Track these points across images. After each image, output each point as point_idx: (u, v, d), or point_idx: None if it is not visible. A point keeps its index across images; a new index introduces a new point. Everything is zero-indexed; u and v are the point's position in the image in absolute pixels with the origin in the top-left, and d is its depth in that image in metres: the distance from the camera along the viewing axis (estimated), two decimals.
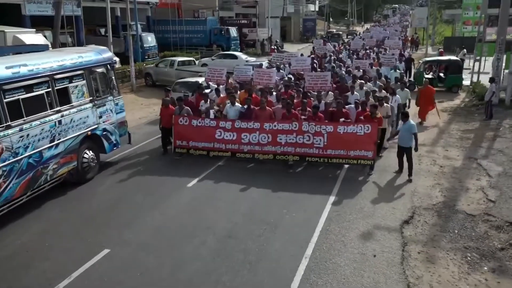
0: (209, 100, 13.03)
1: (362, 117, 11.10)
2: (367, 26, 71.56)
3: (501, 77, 18.27)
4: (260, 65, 19.38)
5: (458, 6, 44.04)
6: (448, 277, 6.83)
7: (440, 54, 28.03)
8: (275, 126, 11.24)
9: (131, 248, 7.64)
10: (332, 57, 23.62)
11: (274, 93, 13.93)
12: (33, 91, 9.00)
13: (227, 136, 11.49)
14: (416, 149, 10.58)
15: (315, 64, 20.85)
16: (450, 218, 8.69)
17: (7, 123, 8.29)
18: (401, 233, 8.13)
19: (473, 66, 23.33)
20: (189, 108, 12.24)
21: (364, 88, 14.29)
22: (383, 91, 13.89)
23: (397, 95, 13.68)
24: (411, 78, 22.11)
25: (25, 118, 8.69)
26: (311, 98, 12.94)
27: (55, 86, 9.56)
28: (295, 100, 12.65)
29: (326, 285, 6.61)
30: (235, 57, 29.02)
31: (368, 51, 26.92)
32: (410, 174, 10.62)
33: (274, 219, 8.65)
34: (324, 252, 7.48)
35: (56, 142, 9.50)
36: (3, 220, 8.49)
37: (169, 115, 12.13)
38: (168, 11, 36.55)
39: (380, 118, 10.98)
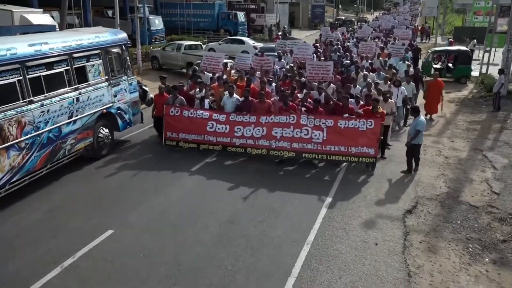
0: (204, 88, 12.21)
1: (361, 110, 10.40)
2: (377, 14, 70.59)
3: (511, 69, 18.07)
4: (262, 53, 18.65)
5: None
6: (449, 267, 6.85)
7: (450, 44, 27.76)
8: (271, 119, 10.49)
9: (135, 230, 7.71)
10: (339, 46, 22.28)
11: (274, 84, 13.30)
12: (53, 69, 9.38)
13: (219, 129, 10.77)
14: (406, 144, 10.19)
15: (318, 53, 19.95)
16: (453, 209, 8.69)
17: (30, 99, 8.69)
18: (404, 222, 8.15)
19: (483, 57, 23.08)
20: (183, 98, 11.50)
21: (368, 79, 13.60)
22: (388, 82, 13.37)
23: (402, 87, 13.12)
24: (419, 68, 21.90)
25: (45, 94, 9.09)
26: (310, 92, 12.02)
27: (74, 65, 9.93)
28: (296, 92, 12.01)
29: (327, 271, 6.65)
30: (242, 42, 28.83)
31: (375, 40, 25.67)
32: (416, 165, 10.36)
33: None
34: (326, 239, 7.52)
35: (74, 118, 9.93)
36: (12, 198, 8.62)
37: (163, 103, 11.50)
38: None
39: (382, 113, 10.20)
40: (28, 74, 8.66)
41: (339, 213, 8.40)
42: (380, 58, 18.11)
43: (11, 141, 8.29)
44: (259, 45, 28.42)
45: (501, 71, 16.31)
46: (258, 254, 7.05)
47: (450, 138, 13.07)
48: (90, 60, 10.49)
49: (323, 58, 18.21)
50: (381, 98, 11.07)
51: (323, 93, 11.39)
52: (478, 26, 34.80)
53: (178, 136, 11.13)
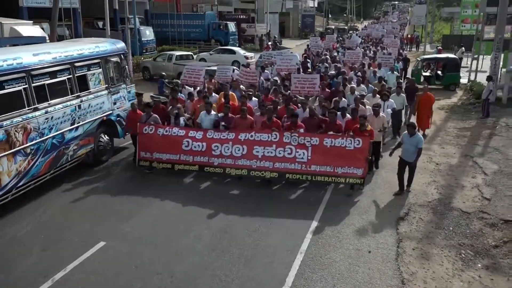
0: (179, 105, 11.17)
1: (351, 132, 9.59)
2: (366, 23, 71.34)
3: (499, 76, 18.33)
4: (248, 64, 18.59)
5: (457, 4, 44.18)
6: (442, 273, 6.87)
7: (439, 52, 28.07)
8: (251, 136, 9.63)
9: (128, 240, 7.65)
10: (327, 56, 21.32)
11: (255, 98, 12.12)
12: (56, 77, 9.75)
13: (195, 147, 9.87)
14: (414, 165, 9.62)
15: (308, 64, 19.34)
16: (445, 215, 8.72)
17: (35, 106, 9.03)
18: (396, 229, 8.17)
19: (471, 64, 23.39)
20: (157, 116, 10.61)
21: (356, 93, 12.76)
22: (377, 95, 12.75)
23: (391, 100, 12.38)
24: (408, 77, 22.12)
25: (49, 102, 9.44)
26: (298, 105, 11.25)
27: (75, 73, 10.31)
28: (279, 107, 11.19)
29: (321, 280, 6.63)
30: (233, 52, 28.98)
31: (364, 48, 25.41)
32: (409, 185, 9.77)
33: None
34: (319, 247, 7.51)
35: (76, 125, 10.25)
36: (5, 209, 8.55)
37: (137, 121, 10.56)
38: (166, 5, 36.41)
39: (371, 131, 9.52)
40: (33, 83, 9.00)
41: (331, 221, 8.40)
42: (371, 68, 17.48)
43: (18, 147, 8.55)
44: (250, 54, 28.58)
45: (489, 78, 16.51)
46: (251, 264, 7.02)
47: (441, 144, 13.17)
48: (91, 69, 10.86)
49: (309, 70, 17.38)
50: (371, 112, 10.67)
51: (308, 108, 10.73)
52: (466, 34, 35.27)
53: (152, 156, 10.24)
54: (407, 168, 9.62)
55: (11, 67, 8.45)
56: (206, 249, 7.43)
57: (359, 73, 16.03)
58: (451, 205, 9.18)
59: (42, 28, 20.40)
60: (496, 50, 18.03)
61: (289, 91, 12.92)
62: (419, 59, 23.68)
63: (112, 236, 7.79)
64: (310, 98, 11.92)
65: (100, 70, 11.15)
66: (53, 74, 9.61)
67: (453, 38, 38.05)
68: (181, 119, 10.61)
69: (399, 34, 39.65)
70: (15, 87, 8.58)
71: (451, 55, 23.76)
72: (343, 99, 12.18)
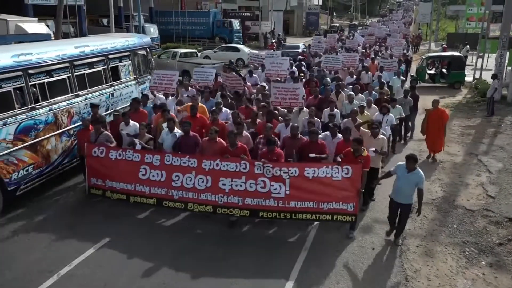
0: (130, 121, 9.29)
1: (341, 156, 7.71)
2: (372, 20, 71.00)
3: (504, 74, 18.25)
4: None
5: (462, 2, 43.96)
6: (446, 271, 6.87)
7: (444, 50, 27.98)
8: (216, 165, 7.76)
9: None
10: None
11: (225, 109, 10.25)
12: (93, 67, 10.79)
13: (153, 176, 8.08)
14: (419, 213, 7.47)
15: (303, 67, 17.55)
16: (449, 213, 8.72)
17: (76, 93, 10.12)
18: None
19: (476, 62, 23.30)
20: (109, 134, 8.87)
21: (355, 102, 11.19)
22: (374, 106, 11.06)
23: (390, 115, 10.54)
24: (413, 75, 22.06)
25: (88, 90, 10.50)
26: (279, 118, 9.49)
27: (109, 65, 11.37)
28: (258, 121, 9.42)
29: (325, 276, 6.65)
30: (237, 49, 29.03)
31: (365, 50, 23.34)
32: (397, 236, 7.64)
33: None
34: (323, 244, 7.53)
35: (109, 111, 10.93)
36: (15, 203, 8.58)
37: (86, 140, 8.95)
38: (171, 2, 36.53)
39: (367, 157, 7.62)
40: (75, 72, 10.06)
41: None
42: (369, 72, 15.79)
43: (63, 128, 9.58)
44: (254, 52, 28.59)
45: (494, 76, 16.46)
46: None
47: (445, 142, 13.10)
48: (122, 61, 11.96)
49: (302, 75, 15.78)
50: (368, 131, 8.91)
51: (290, 125, 8.79)
52: (471, 32, 35.14)
53: (104, 183, 8.50)
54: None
55: (58, 57, 9.62)
56: None
57: (355, 77, 14.76)
58: (455, 203, 9.17)
59: (47, 26, 20.50)
60: (501, 48, 17.95)
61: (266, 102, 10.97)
62: (423, 57, 23.61)
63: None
64: (293, 111, 10.25)
65: (130, 62, 12.27)
66: (91, 65, 10.67)
67: (458, 36, 37.86)
68: (136, 142, 8.58)
69: (409, 32, 37.13)
70: (61, 75, 9.71)
71: (456, 53, 23.67)
72: (335, 110, 10.38)
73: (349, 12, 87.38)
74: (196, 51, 26.63)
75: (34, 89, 9.05)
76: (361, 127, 9.15)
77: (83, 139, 8.96)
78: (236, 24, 39.02)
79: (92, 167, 8.60)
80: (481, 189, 9.79)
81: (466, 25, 36.78)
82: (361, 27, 51.88)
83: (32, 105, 8.83)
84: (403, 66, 18.11)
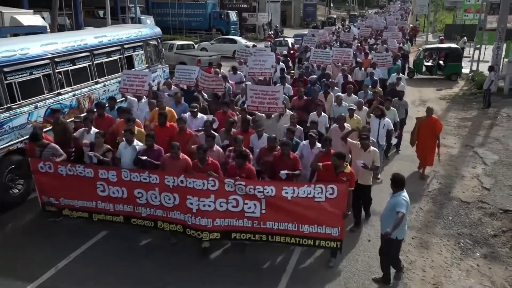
0: (93, 129, 8.12)
1: (318, 167, 6.84)
2: (371, 11, 70.57)
3: (501, 66, 18.28)
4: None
5: None
6: (441, 262, 6.95)
7: (441, 41, 27.94)
8: (181, 181, 6.77)
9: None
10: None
11: (201, 115, 9.00)
12: (111, 56, 11.64)
13: (113, 193, 7.17)
14: (388, 234, 5.86)
15: (290, 63, 16.44)
16: (445, 205, 8.79)
17: (96, 80, 10.93)
18: None
19: (473, 54, 23.30)
20: (56, 147, 7.55)
21: (344, 104, 10.02)
22: (365, 108, 9.88)
23: (387, 119, 9.31)
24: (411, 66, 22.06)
25: (106, 77, 11.31)
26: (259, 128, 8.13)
27: (124, 54, 12.21)
28: (234, 130, 8.24)
29: (321, 269, 6.71)
30: (234, 41, 28.88)
31: (360, 43, 21.99)
32: (398, 273, 6.55)
33: None
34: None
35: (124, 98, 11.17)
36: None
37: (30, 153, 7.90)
38: None
39: (351, 175, 6.61)
40: (94, 60, 10.89)
41: None
42: (363, 68, 14.64)
43: (84, 112, 9.75)
44: (251, 44, 28.43)
45: (491, 68, 16.48)
46: None
47: (442, 134, 13.08)
48: (136, 50, 12.81)
49: (292, 72, 14.62)
50: (357, 142, 7.68)
51: (264, 134, 7.85)
52: (468, 24, 35.03)
53: (59, 201, 7.44)
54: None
55: (80, 47, 10.46)
56: None
57: (347, 74, 13.43)
58: (451, 195, 9.24)
59: (43, 17, 20.36)
60: (498, 40, 17.96)
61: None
62: (421, 49, 23.60)
63: None
64: (272, 116, 9.16)
65: (142, 51, 13.11)
66: (108, 54, 11.52)
67: (456, 27, 37.78)
68: (91, 154, 7.46)
69: (405, 25, 35.77)
70: (82, 63, 10.53)
71: (453, 45, 23.68)
72: (323, 114, 9.40)
73: (347, 4, 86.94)
74: (193, 43, 26.51)
75: (60, 76, 9.83)
76: (348, 138, 7.91)
77: (30, 152, 7.83)
78: (233, 15, 38.81)
79: (42, 184, 7.45)
80: (477, 181, 9.86)
81: (463, 17, 36.66)
82: (361, 18, 51.59)
83: (58, 91, 9.66)
84: (399, 62, 16.83)
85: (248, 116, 8.86)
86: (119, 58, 11.93)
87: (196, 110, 8.99)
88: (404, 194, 5.99)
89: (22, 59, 8.75)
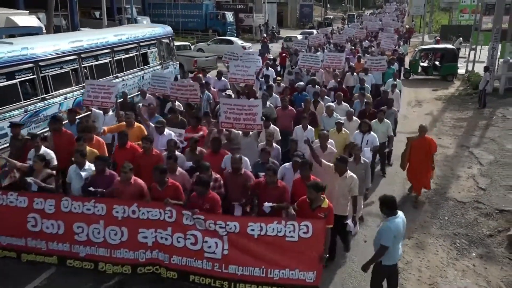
0: (42, 147, 6.99)
1: (294, 208, 5.69)
2: (366, 12, 70.64)
3: (496, 66, 18.35)
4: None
5: None
6: (437, 262, 6.96)
7: (437, 42, 28.05)
8: (133, 212, 5.90)
9: None
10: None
11: (169, 132, 7.79)
12: (128, 53, 12.62)
13: (48, 228, 6.10)
14: (365, 268, 5.50)
15: (278, 67, 15.79)
16: (441, 205, 8.81)
17: (116, 74, 11.91)
18: None
19: (469, 54, 23.40)
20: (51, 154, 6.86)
21: (335, 115, 9.14)
22: (355, 119, 9.06)
23: (372, 134, 8.47)
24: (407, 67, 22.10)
25: (124, 72, 12.30)
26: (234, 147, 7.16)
27: (140, 51, 13.17)
28: (203, 150, 7.20)
29: None
30: (231, 42, 28.88)
31: (354, 46, 21.02)
32: None
33: None
34: None
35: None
36: None
37: None
38: None
39: (329, 209, 5.57)
40: (115, 56, 11.84)
41: None
42: (355, 73, 13.64)
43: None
44: (248, 45, 28.42)
45: (486, 69, 16.55)
46: None
47: (437, 135, 13.22)
48: (150, 48, 13.75)
49: (279, 79, 13.71)
50: (331, 165, 6.56)
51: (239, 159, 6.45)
52: (464, 24, 35.24)
53: None
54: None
55: (102, 44, 11.36)
56: None
57: (340, 81, 12.43)
58: (447, 195, 9.27)
59: (38, 18, 20.28)
60: (493, 41, 18.03)
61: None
62: (416, 49, 23.67)
63: None
64: (250, 134, 7.92)
65: (156, 49, 14.03)
66: (126, 51, 12.47)
67: (452, 28, 38.02)
68: (30, 180, 6.28)
69: (401, 27, 34.96)
70: (104, 59, 11.48)
71: (449, 46, 23.77)
72: (309, 127, 8.40)
73: (343, 4, 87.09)
74: (189, 44, 26.49)
75: (85, 70, 10.79)
76: (323, 161, 6.71)
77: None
78: (229, 16, 38.82)
79: None
80: (472, 181, 9.89)
81: (459, 17, 36.89)
82: (359, 17, 51.67)
83: (83, 84, 10.24)
84: (396, 66, 15.74)
85: (225, 131, 7.86)
86: (136, 55, 12.93)
87: (161, 126, 7.73)
88: (398, 220, 5.19)
89: (54, 54, 9.85)
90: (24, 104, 8.97)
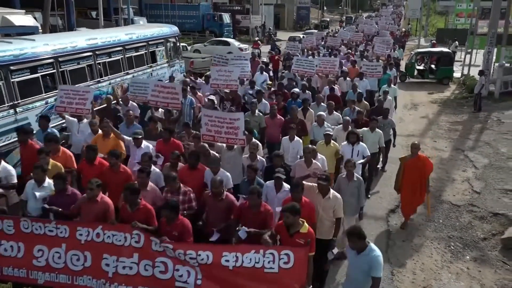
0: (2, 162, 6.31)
1: (273, 233, 5.12)
2: (363, 15, 70.87)
3: (491, 70, 18.43)
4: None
5: None
6: (431, 265, 6.98)
7: (433, 45, 28.17)
8: (97, 235, 5.31)
9: None
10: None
11: (147, 144, 7.23)
12: (138, 51, 13.06)
13: (6, 250, 5.49)
14: None
15: (270, 72, 15.35)
16: (435, 208, 8.82)
17: (127, 71, 12.35)
18: (387, 221, 8.27)
19: (464, 58, 23.51)
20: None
21: (325, 124, 8.59)
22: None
23: (362, 144, 7.85)
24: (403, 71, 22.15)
25: (135, 69, 12.73)
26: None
27: (149, 49, 13.60)
28: (179, 164, 6.57)
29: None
30: (227, 43, 28.87)
31: (350, 50, 20.49)
32: None
33: None
34: None
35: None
36: None
37: None
38: None
39: (309, 235, 4.97)
40: (126, 54, 12.28)
41: None
42: (348, 78, 13.31)
43: (119, 98, 10.99)
44: (245, 46, 28.40)
45: (481, 73, 16.61)
46: None
47: (433, 138, 13.27)
48: (158, 46, 14.19)
49: (270, 83, 13.61)
50: (314, 185, 5.94)
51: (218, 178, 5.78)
52: (460, 28, 35.40)
53: None
54: None
55: (115, 42, 11.89)
56: None
57: (333, 87, 11.82)
58: (441, 198, 9.30)
59: (35, 18, 20.18)
60: (489, 45, 18.12)
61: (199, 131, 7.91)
62: (412, 52, 23.76)
63: None
64: (235, 147, 7.29)
65: (163, 47, 14.50)
66: (136, 49, 12.94)
67: (448, 32, 38.15)
68: None
69: (397, 30, 34.76)
70: (116, 57, 11.93)
71: (445, 49, 23.86)
72: (296, 139, 7.82)
73: (340, 7, 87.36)
74: (186, 45, 26.48)
75: (99, 67, 11.23)
76: (304, 182, 5.93)
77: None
78: (226, 17, 38.86)
79: None
80: (467, 185, 9.93)
81: (455, 21, 37.05)
82: (355, 20, 51.82)
83: (98, 79, 11.05)
84: (393, 71, 15.19)
85: (203, 145, 7.09)
86: (145, 53, 13.38)
87: (140, 137, 7.16)
88: (375, 249, 4.71)
89: (72, 51, 10.32)
90: (45, 96, 9.37)
